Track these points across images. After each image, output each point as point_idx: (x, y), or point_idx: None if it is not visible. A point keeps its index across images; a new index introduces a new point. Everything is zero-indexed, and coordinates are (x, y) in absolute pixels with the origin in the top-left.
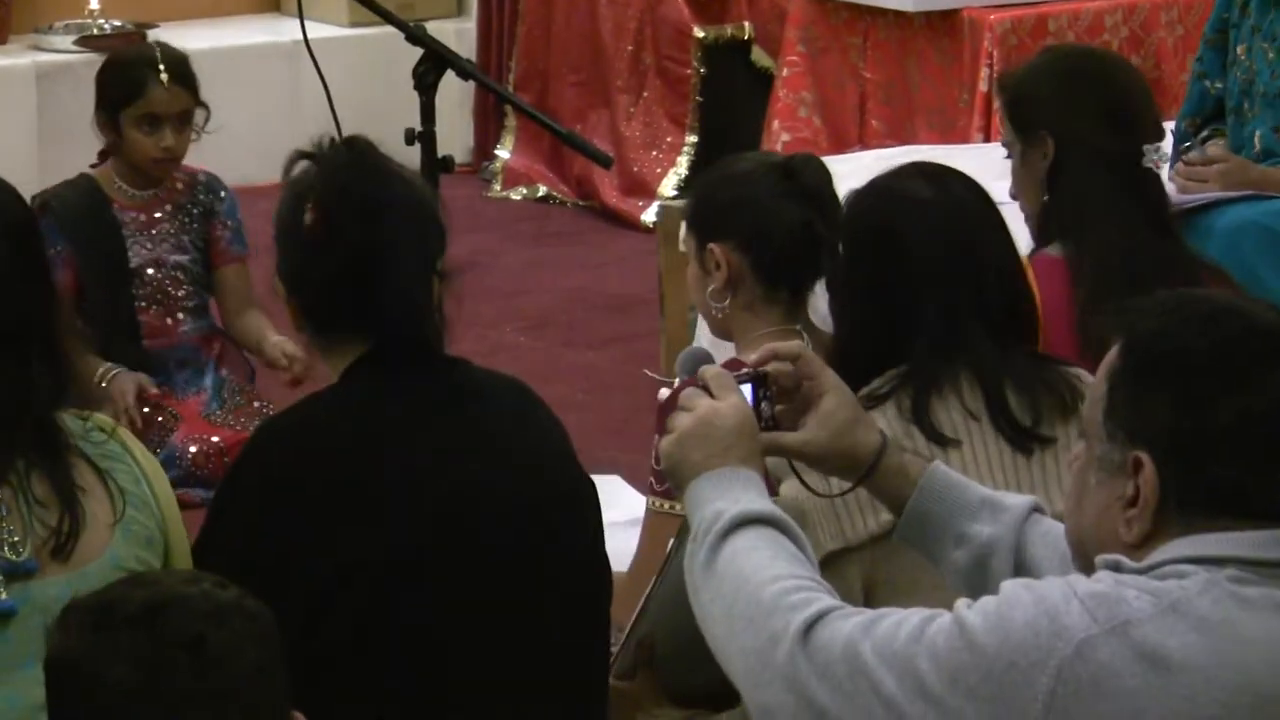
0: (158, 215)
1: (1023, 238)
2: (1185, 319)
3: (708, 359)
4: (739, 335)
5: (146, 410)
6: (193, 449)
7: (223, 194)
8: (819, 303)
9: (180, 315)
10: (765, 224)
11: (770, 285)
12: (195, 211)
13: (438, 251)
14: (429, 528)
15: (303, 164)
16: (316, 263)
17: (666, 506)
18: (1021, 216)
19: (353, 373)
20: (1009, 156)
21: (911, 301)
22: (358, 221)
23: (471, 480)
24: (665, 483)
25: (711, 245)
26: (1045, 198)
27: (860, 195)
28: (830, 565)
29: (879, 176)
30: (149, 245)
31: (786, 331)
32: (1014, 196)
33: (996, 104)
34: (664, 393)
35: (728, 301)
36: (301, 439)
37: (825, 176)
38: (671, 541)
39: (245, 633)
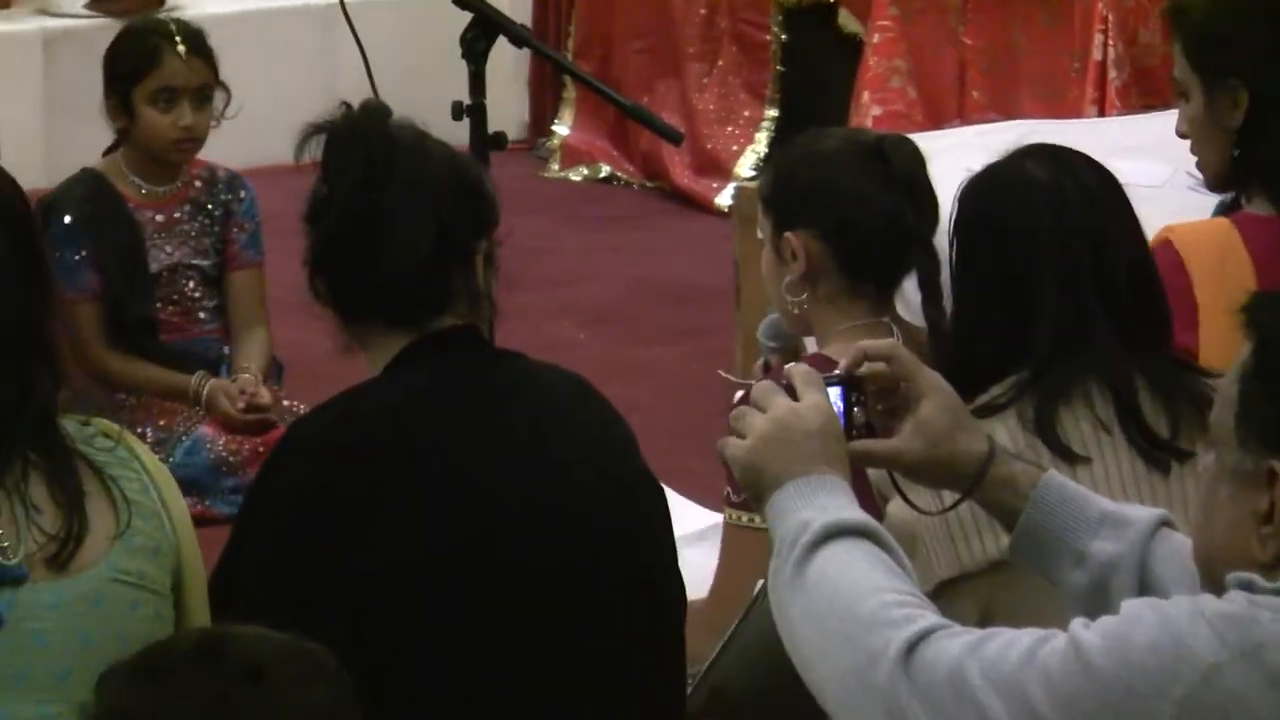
0: (176, 215)
1: (1150, 223)
2: None
3: None
4: (820, 330)
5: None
6: (223, 438)
7: (243, 193)
8: (910, 295)
9: (201, 314)
10: (852, 212)
11: (856, 279)
12: (216, 213)
13: (474, 231)
14: (469, 529)
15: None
16: (323, 238)
17: (746, 519)
18: (1152, 199)
19: (393, 366)
20: (1181, 94)
21: (1032, 300)
22: (356, 189)
23: (518, 480)
24: (744, 492)
25: (789, 233)
26: (1236, 151)
27: (972, 182)
28: (943, 595)
29: (993, 162)
30: (168, 249)
31: (874, 326)
32: (1182, 136)
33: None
34: (740, 396)
35: (805, 295)
36: (337, 438)
37: (919, 160)
38: (760, 583)
39: (310, 668)
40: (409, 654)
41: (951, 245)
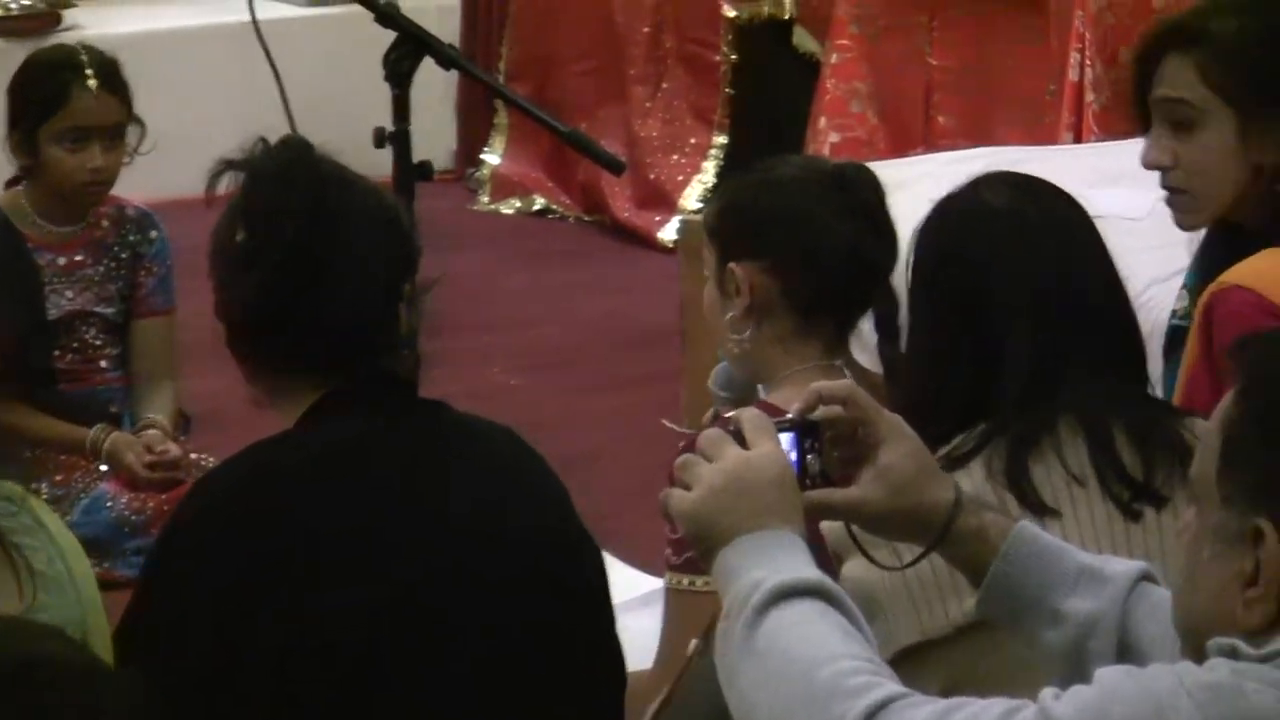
0: (79, 258)
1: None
2: None
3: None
4: (766, 373)
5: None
6: (126, 496)
7: (154, 234)
8: (866, 336)
9: (103, 363)
10: (807, 243)
11: (808, 316)
12: (123, 256)
13: (404, 273)
14: (394, 596)
15: (233, 175)
16: (251, 284)
17: (688, 582)
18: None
19: (309, 418)
20: (1177, 121)
21: (996, 339)
22: (294, 230)
23: (447, 544)
24: (685, 552)
25: (734, 265)
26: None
27: (928, 216)
28: (905, 664)
29: (953, 190)
30: (69, 294)
31: (825, 369)
32: (1159, 168)
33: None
34: (684, 444)
35: (748, 333)
36: (250, 492)
37: (879, 191)
38: (694, 642)
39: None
40: None
41: (909, 283)
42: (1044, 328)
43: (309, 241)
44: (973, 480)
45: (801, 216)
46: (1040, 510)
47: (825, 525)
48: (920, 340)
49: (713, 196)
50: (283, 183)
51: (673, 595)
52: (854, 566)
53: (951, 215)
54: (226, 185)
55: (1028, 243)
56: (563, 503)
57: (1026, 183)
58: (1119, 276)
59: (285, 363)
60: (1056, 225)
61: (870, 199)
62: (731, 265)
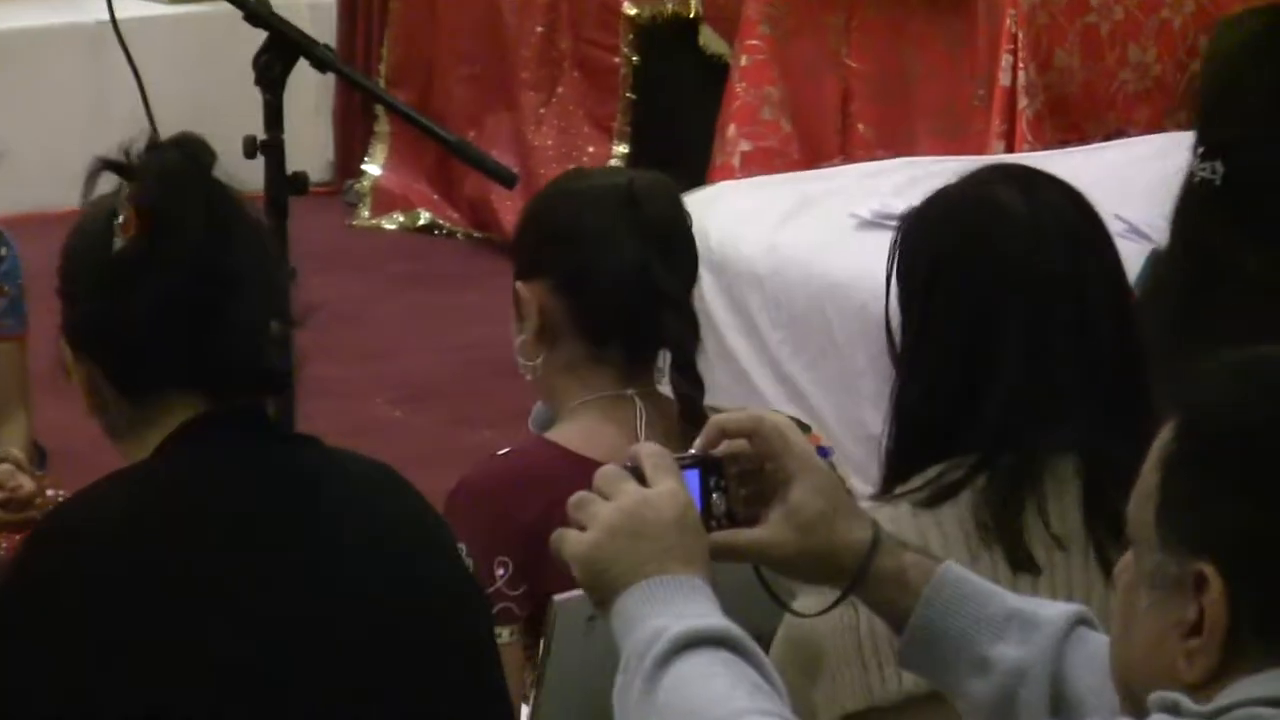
0: None
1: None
2: (1263, 386)
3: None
4: (557, 402)
5: None
6: None
7: (3, 251)
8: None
9: None
10: (587, 262)
11: (597, 342)
12: None
13: (280, 295)
14: (251, 661)
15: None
16: (135, 295)
17: (508, 635)
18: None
19: (168, 448)
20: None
21: (994, 361)
22: (197, 236)
23: (309, 593)
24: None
25: (520, 284)
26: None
27: (921, 214)
28: None
29: (947, 186)
30: None
31: (616, 399)
32: None
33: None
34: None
35: (540, 359)
36: (89, 539)
37: (676, 206)
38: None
39: None
40: None
41: (897, 290)
42: (1049, 351)
43: (212, 252)
44: (942, 529)
45: (585, 233)
46: (1024, 566)
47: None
48: (910, 346)
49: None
50: (189, 177)
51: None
52: (805, 607)
53: (951, 213)
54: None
55: (1040, 251)
56: (444, 549)
57: (1039, 179)
58: (1131, 294)
59: (153, 381)
60: (1073, 231)
61: (664, 216)
62: (518, 285)
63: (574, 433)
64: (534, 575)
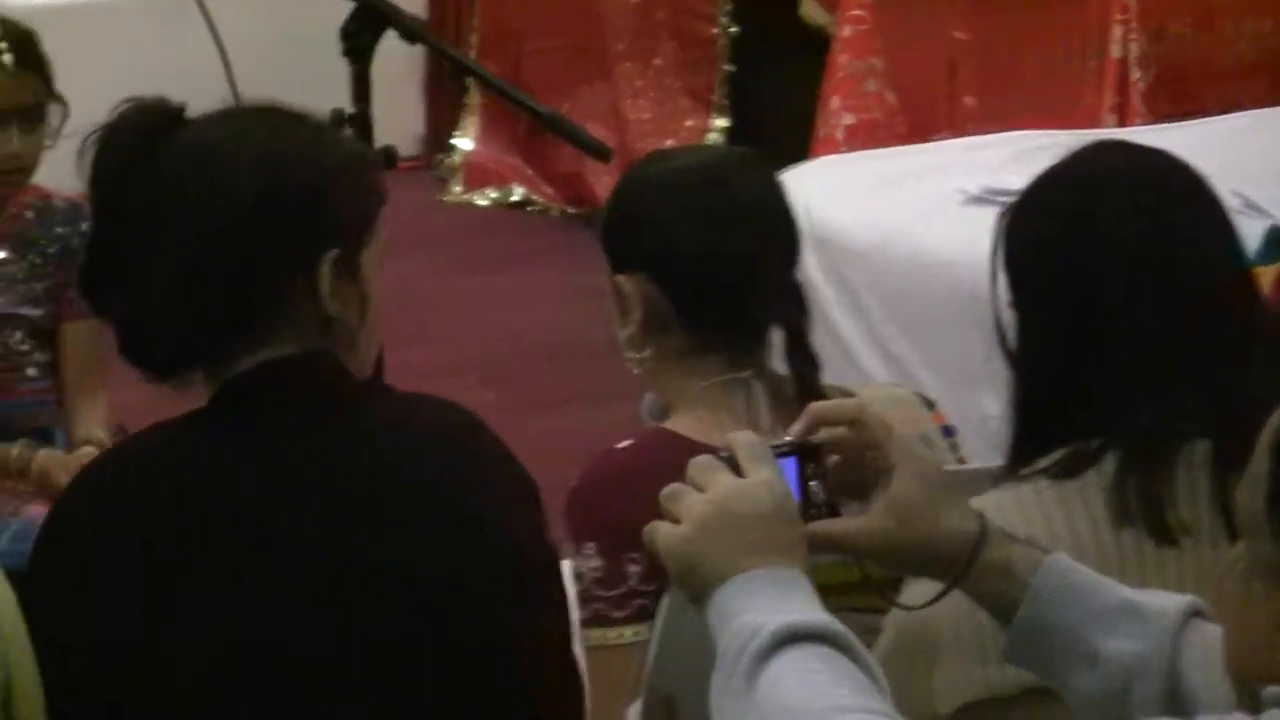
0: (1, 256)
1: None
2: None
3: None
4: (670, 395)
5: None
6: None
7: (84, 226)
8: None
9: (29, 371)
10: (681, 250)
11: (701, 328)
12: (50, 251)
13: (311, 241)
14: (258, 633)
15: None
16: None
17: (598, 637)
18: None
19: (201, 411)
20: None
21: (1100, 342)
22: (103, 190)
23: (328, 562)
24: (589, 605)
25: (620, 277)
26: None
27: (1034, 196)
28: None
29: (1055, 164)
30: None
31: (731, 384)
32: None
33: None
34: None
35: (648, 352)
36: (103, 496)
37: (766, 182)
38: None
39: None
40: None
41: (1006, 274)
42: (1172, 323)
43: (126, 194)
44: (1082, 499)
45: (673, 217)
46: (1168, 539)
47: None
48: (1030, 329)
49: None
50: (110, 146)
51: (592, 656)
52: (920, 596)
53: (1062, 189)
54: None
55: (1146, 221)
56: (506, 519)
57: (1149, 154)
58: (1246, 264)
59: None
60: (1176, 203)
61: (755, 192)
62: (618, 278)
63: (693, 421)
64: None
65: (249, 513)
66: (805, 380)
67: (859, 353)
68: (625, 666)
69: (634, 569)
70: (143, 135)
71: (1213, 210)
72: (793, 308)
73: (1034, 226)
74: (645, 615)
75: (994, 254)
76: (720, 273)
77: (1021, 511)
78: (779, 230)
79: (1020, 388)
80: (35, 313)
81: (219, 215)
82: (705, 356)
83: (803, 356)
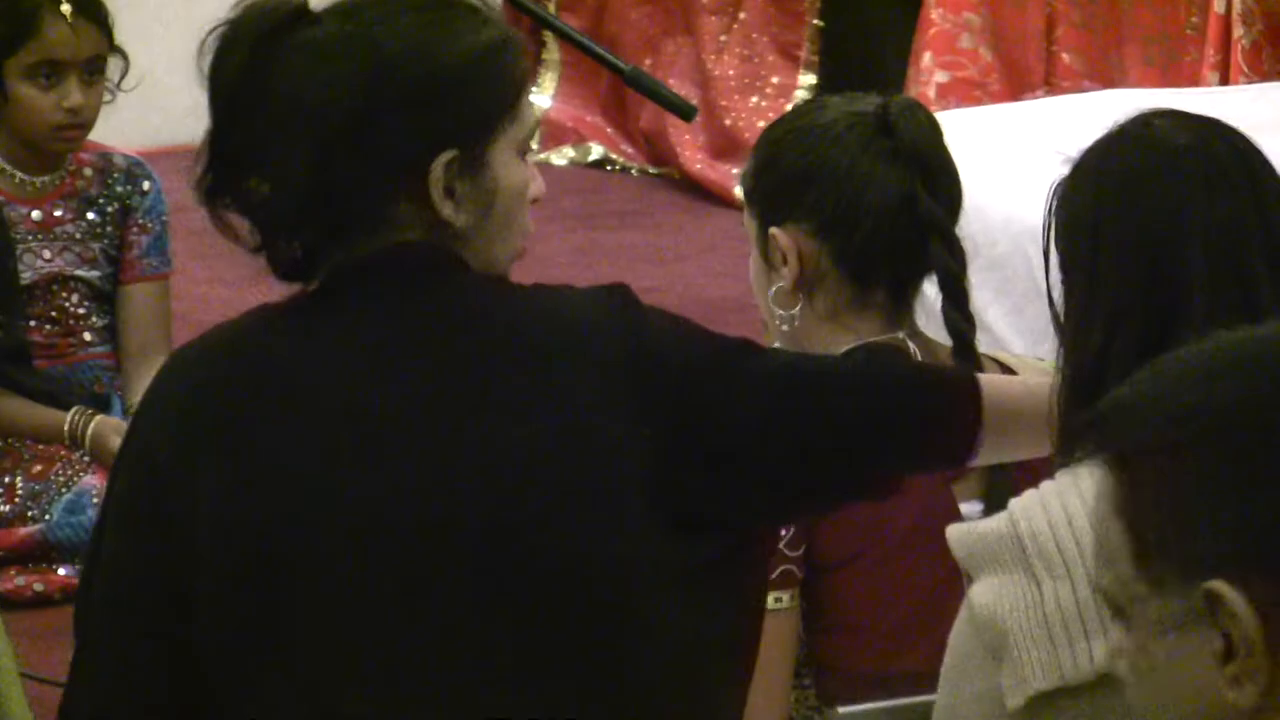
0: (59, 214)
1: None
2: (1187, 380)
3: None
4: (819, 351)
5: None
6: None
7: (146, 185)
8: (931, 304)
9: (86, 335)
10: (849, 200)
11: (861, 284)
12: (110, 210)
13: (419, 143)
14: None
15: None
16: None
17: (772, 601)
18: None
19: (304, 293)
20: None
21: (1182, 300)
22: (221, 90)
23: (396, 456)
24: (782, 564)
25: (775, 230)
26: None
27: (1092, 154)
28: (1040, 713)
29: (1113, 128)
30: (46, 255)
31: (887, 344)
32: None
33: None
34: None
35: (799, 307)
36: (201, 362)
37: (934, 131)
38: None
39: None
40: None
41: (1057, 239)
42: (1242, 291)
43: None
44: None
45: (838, 169)
46: None
47: (953, 533)
48: (1080, 304)
49: (751, 153)
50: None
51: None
52: (983, 591)
53: (1117, 154)
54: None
55: (1219, 184)
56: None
57: (1203, 120)
58: None
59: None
60: (1248, 167)
61: (921, 141)
62: (774, 231)
63: None
64: (814, 536)
65: (341, 384)
66: (963, 342)
67: (939, 315)
68: (765, 634)
69: (783, 533)
70: (262, 33)
71: (1273, 175)
72: (957, 262)
73: (1086, 197)
74: (791, 582)
75: (1045, 234)
76: (890, 226)
77: (1083, 501)
78: (946, 180)
79: (1078, 362)
80: (93, 274)
81: (325, 119)
82: (861, 314)
83: (961, 315)
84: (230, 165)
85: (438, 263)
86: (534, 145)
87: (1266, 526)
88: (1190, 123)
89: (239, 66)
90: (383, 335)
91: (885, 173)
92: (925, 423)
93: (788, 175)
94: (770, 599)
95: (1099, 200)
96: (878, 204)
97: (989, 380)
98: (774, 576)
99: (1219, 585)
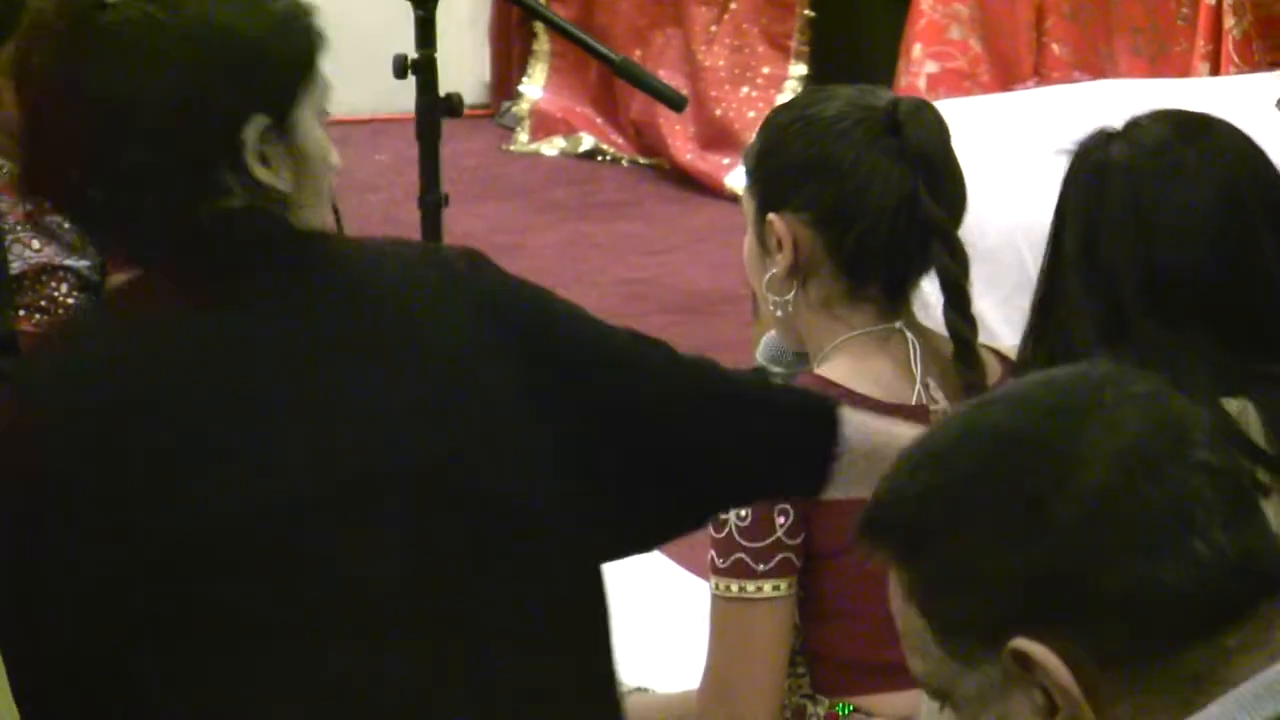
0: (47, 204)
1: None
2: (925, 463)
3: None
4: (814, 342)
5: None
6: None
7: None
8: (930, 298)
9: None
10: (853, 193)
11: (857, 277)
12: None
13: (229, 115)
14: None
15: None
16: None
17: (738, 589)
18: None
19: (144, 277)
20: None
21: (1168, 335)
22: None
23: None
24: (730, 555)
25: (774, 216)
26: None
27: (1077, 164)
28: None
29: (1098, 132)
30: (35, 244)
31: (882, 336)
32: None
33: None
34: None
35: (792, 294)
36: (91, 375)
37: (941, 131)
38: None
39: None
40: None
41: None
42: (1231, 319)
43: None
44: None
45: (844, 161)
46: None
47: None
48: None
49: (756, 136)
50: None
51: (721, 606)
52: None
53: (1102, 165)
54: None
55: (1210, 210)
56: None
57: (1206, 124)
58: None
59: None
60: (1250, 184)
61: (927, 140)
62: (771, 217)
63: (846, 369)
64: (812, 523)
65: (251, 377)
66: (964, 343)
67: (938, 310)
68: (761, 622)
69: (782, 520)
70: (61, 29)
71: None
72: (958, 263)
73: (1084, 195)
74: (788, 570)
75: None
76: (890, 223)
77: None
78: (950, 181)
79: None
80: (82, 264)
81: (136, 108)
82: (854, 306)
83: (963, 315)
84: (48, 162)
85: (271, 229)
86: (523, 136)
87: (1042, 577)
88: (1186, 138)
89: (43, 65)
90: (237, 316)
91: (889, 171)
92: (771, 450)
93: (791, 163)
94: (769, 586)
95: (1066, 233)
96: (878, 202)
97: (856, 416)
98: (771, 565)
99: (1021, 643)
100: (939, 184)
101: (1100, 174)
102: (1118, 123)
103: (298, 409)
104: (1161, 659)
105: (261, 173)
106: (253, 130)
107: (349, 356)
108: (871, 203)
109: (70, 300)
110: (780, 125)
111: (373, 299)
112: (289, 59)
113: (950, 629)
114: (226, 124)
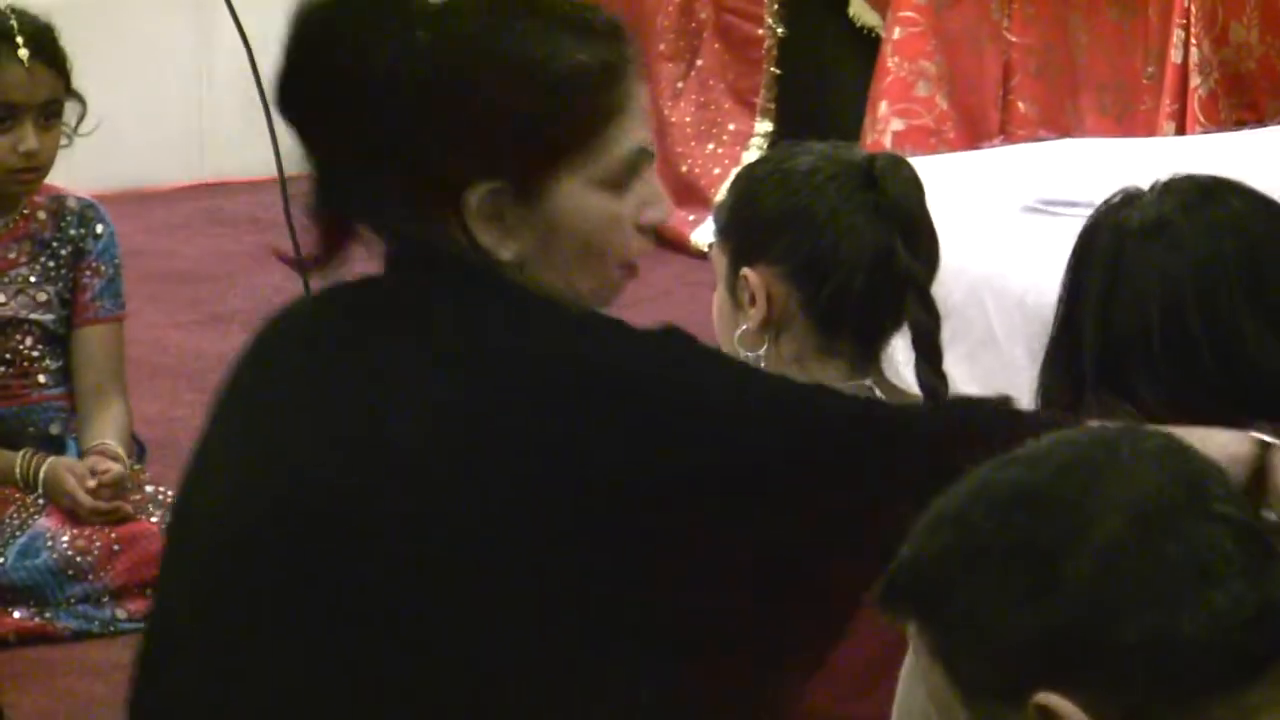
0: (12, 256)
1: None
2: (944, 524)
3: None
4: None
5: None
6: (69, 532)
7: (99, 228)
8: (900, 364)
9: (40, 378)
10: (827, 248)
11: (830, 332)
12: (63, 253)
13: (457, 171)
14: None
15: None
16: None
17: None
18: None
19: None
20: None
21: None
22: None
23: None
24: None
25: (747, 270)
26: None
27: (1091, 231)
28: None
29: (1119, 198)
30: (0, 298)
31: (856, 391)
32: None
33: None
34: None
35: (764, 349)
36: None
37: (917, 187)
38: None
39: None
40: None
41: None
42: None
43: None
44: None
45: (819, 216)
46: None
47: None
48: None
49: (728, 189)
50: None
51: None
52: None
53: (1123, 233)
54: None
55: (1236, 282)
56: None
57: (1221, 189)
58: None
59: None
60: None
61: (904, 196)
62: (745, 271)
63: None
64: None
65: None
66: (935, 396)
67: (904, 366)
68: None
69: None
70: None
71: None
72: (931, 319)
73: (1106, 262)
74: None
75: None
76: (865, 278)
77: None
78: (925, 238)
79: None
80: (47, 317)
81: (380, 133)
82: (826, 361)
83: (934, 371)
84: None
85: (444, 264)
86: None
87: (1060, 631)
88: (1207, 200)
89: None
90: (346, 330)
91: (865, 226)
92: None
93: (766, 215)
94: None
95: (1100, 280)
96: (853, 256)
97: None
98: None
99: (1044, 697)
100: (915, 239)
101: (1092, 233)
102: (1088, 181)
103: (269, 430)
104: (1185, 712)
105: (484, 235)
106: (478, 193)
107: (362, 396)
108: (848, 256)
109: (35, 353)
110: (755, 178)
111: (446, 362)
112: (553, 128)
113: (975, 686)
114: (448, 178)
